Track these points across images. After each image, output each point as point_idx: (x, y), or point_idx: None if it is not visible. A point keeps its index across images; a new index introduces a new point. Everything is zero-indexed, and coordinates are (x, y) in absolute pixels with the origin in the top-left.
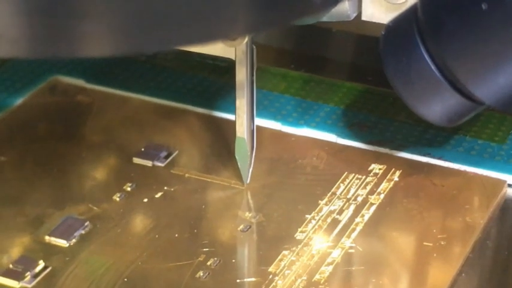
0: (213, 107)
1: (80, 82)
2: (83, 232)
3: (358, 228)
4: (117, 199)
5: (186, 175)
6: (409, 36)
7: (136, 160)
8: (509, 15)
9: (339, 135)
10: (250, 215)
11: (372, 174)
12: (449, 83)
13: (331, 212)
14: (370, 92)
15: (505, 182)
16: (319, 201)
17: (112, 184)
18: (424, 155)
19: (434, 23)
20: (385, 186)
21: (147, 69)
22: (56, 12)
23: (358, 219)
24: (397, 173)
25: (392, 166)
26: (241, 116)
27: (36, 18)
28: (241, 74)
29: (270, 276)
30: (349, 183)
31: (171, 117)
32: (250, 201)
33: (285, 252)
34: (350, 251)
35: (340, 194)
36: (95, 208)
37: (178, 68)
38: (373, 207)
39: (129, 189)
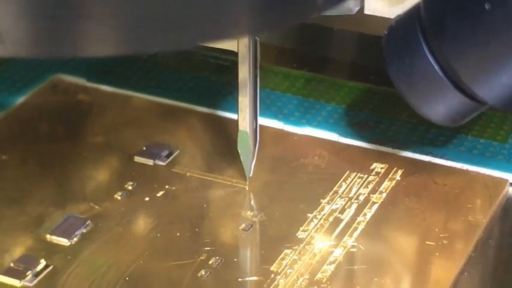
0: (215, 106)
1: (82, 81)
2: (84, 231)
3: (360, 227)
4: (119, 198)
5: (188, 174)
6: (412, 36)
7: (137, 159)
8: (511, 15)
9: (341, 134)
10: (252, 214)
11: (373, 173)
12: (452, 82)
13: (333, 211)
14: (372, 91)
15: (507, 181)
16: (321, 200)
17: (113, 183)
18: (426, 154)
19: (437, 23)
20: (387, 185)
21: (149, 68)
22: (59, 12)
23: (360, 218)
24: (399, 172)
25: (394, 165)
26: (243, 110)
27: (40, 18)
28: (244, 69)
29: (272, 275)
30: (351, 182)
31: (173, 116)
32: (252, 200)
33: (287, 251)
34: (352, 250)
35: (342, 193)
36: (96, 207)
37: (179, 66)
38: (375, 206)
39: (130, 188)
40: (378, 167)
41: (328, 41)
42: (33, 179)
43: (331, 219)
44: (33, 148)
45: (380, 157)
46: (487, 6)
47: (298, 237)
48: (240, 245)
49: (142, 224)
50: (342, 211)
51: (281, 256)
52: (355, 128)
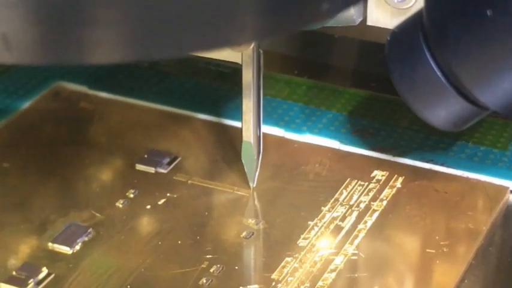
0: (216, 113)
1: (83, 88)
2: (86, 239)
3: (361, 234)
4: (120, 206)
5: (189, 181)
6: (414, 42)
7: (139, 167)
8: None
9: (342, 141)
10: (253, 221)
11: (374, 180)
12: (454, 88)
13: (334, 218)
14: (372, 98)
15: (507, 188)
16: (322, 208)
17: (115, 191)
18: (427, 161)
19: (439, 29)
20: (387, 192)
21: (150, 75)
22: (64, 20)
23: (360, 226)
24: (400, 179)
25: (395, 172)
26: (247, 121)
27: (45, 26)
28: (248, 79)
29: (273, 283)
30: (351, 189)
31: (174, 123)
32: (253, 207)
33: (288, 259)
34: (353, 257)
35: (343, 200)
36: (98, 215)
37: (181, 74)
38: (376, 214)
39: (132, 195)
40: (379, 174)
41: (330, 48)
42: (35, 187)
43: (332, 226)
44: (35, 155)
45: (381, 164)
46: (488, 12)
47: (299, 245)
48: (242, 253)
49: (143, 231)
50: (343, 219)
51: (282, 264)
52: (356, 135)
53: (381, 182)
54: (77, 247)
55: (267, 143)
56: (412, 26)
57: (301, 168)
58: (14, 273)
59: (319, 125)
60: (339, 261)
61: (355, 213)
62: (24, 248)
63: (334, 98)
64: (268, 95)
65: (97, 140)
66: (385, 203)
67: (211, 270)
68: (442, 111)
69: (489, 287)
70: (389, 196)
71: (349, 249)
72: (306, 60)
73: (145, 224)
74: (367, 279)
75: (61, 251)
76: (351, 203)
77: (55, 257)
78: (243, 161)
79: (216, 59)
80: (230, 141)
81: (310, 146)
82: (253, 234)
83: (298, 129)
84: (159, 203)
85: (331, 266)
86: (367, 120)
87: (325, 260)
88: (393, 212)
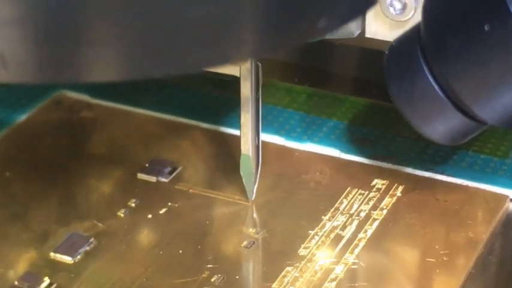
0: (217, 121)
1: (85, 97)
2: (87, 249)
3: (361, 243)
4: (122, 215)
5: (190, 191)
6: (412, 56)
7: (140, 176)
8: (511, 36)
9: (342, 150)
10: (254, 230)
11: (374, 189)
12: (452, 103)
13: (334, 227)
14: (373, 107)
15: (507, 197)
16: (323, 217)
17: (116, 200)
18: (427, 170)
19: (437, 44)
20: (387, 201)
21: (151, 84)
22: (62, 38)
23: (361, 235)
24: (400, 188)
25: (395, 181)
26: (246, 133)
27: (42, 44)
28: (246, 91)
29: None
30: (352, 198)
31: (175, 132)
32: (254, 217)
33: (289, 268)
34: (353, 267)
35: (343, 209)
36: (99, 224)
37: (182, 82)
38: (376, 223)
39: (133, 205)
40: (379, 183)
41: (330, 56)
42: (36, 196)
43: (332, 236)
44: (36, 165)
45: (381, 173)
46: (486, 27)
47: (300, 254)
48: (242, 262)
49: (145, 241)
50: (343, 228)
51: (283, 273)
52: (356, 143)
53: (381, 191)
54: (79, 257)
55: (267, 151)
56: (410, 40)
57: (301, 177)
58: (15, 283)
59: (320, 134)
60: (339, 270)
61: (355, 222)
62: (26, 258)
63: (335, 107)
64: (268, 103)
65: (98, 149)
66: (385, 212)
67: (212, 280)
68: (440, 125)
69: None
70: (390, 205)
71: (350, 258)
72: (306, 68)
73: (147, 233)
74: None
75: (63, 260)
76: (351, 212)
77: (57, 267)
78: (241, 174)
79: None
80: (231, 150)
81: (311, 154)
82: (253, 243)
83: (298, 138)
84: (161, 212)
85: (332, 275)
86: (367, 128)
87: (325, 269)
88: (393, 221)
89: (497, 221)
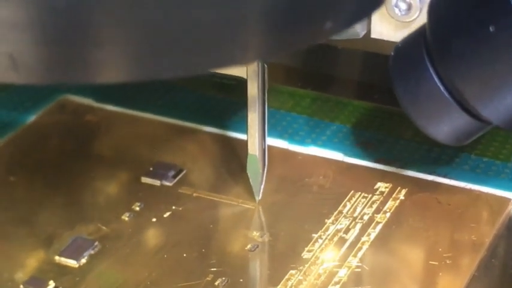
0: (222, 125)
1: (89, 101)
2: (92, 252)
3: (365, 247)
4: (126, 219)
5: (194, 194)
6: (417, 57)
7: (144, 179)
8: None
9: (346, 153)
10: (257, 234)
11: (378, 192)
12: (457, 103)
13: (338, 230)
14: (376, 110)
15: (510, 200)
16: (326, 220)
17: (121, 204)
18: (430, 173)
19: (442, 45)
20: (391, 204)
21: (156, 88)
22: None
23: (364, 238)
24: (403, 191)
25: (398, 184)
26: (253, 134)
27: (51, 46)
28: (253, 92)
29: None
30: (355, 202)
31: (180, 135)
32: (258, 220)
33: (292, 271)
34: (356, 270)
35: (347, 212)
36: (104, 228)
37: (186, 86)
38: (379, 226)
39: (137, 208)
40: (382, 186)
41: (333, 60)
42: (41, 200)
43: (335, 239)
44: (41, 169)
45: (384, 176)
46: (491, 28)
47: (304, 257)
48: (246, 265)
49: (149, 244)
50: (347, 231)
51: (287, 276)
52: (359, 147)
53: (385, 194)
54: (84, 260)
55: (271, 155)
56: (415, 41)
57: (305, 180)
58: (21, 286)
59: (323, 137)
60: (342, 273)
61: (358, 226)
62: (31, 262)
63: (338, 110)
64: (272, 107)
65: (103, 153)
66: (388, 215)
67: (217, 283)
68: (446, 126)
69: None
70: (393, 208)
71: (353, 261)
72: (309, 72)
73: (151, 237)
74: None
75: (68, 264)
76: (355, 215)
77: (62, 271)
78: (248, 174)
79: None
80: (235, 153)
81: (314, 158)
82: (257, 246)
83: (302, 142)
84: (165, 215)
85: (335, 279)
86: (370, 132)
87: (329, 272)
88: (397, 224)
89: (500, 224)
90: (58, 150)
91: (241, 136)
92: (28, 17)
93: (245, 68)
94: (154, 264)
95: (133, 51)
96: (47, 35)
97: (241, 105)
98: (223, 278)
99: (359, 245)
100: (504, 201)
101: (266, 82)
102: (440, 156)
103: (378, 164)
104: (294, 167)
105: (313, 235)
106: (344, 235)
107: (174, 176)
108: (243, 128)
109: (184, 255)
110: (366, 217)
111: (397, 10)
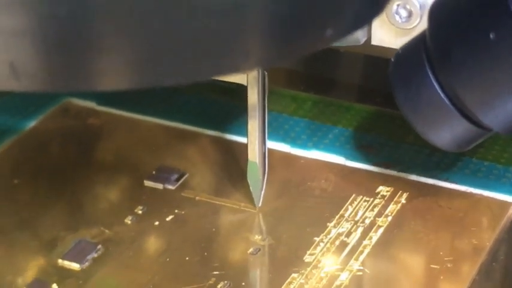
0: (224, 129)
1: (92, 105)
2: (95, 255)
3: (366, 250)
4: (129, 222)
5: (197, 198)
6: (418, 64)
7: (147, 183)
8: None
9: (348, 157)
10: (259, 237)
11: (379, 196)
12: (458, 110)
13: (340, 234)
14: (378, 114)
15: (511, 204)
16: (328, 224)
17: (124, 207)
18: (431, 177)
19: (442, 52)
20: (392, 208)
21: (158, 91)
22: (72, 47)
23: (366, 242)
24: (405, 195)
25: (399, 188)
26: (253, 141)
27: (52, 53)
28: (253, 99)
29: None
30: (357, 205)
31: (182, 139)
32: (260, 224)
33: (294, 275)
34: (358, 273)
35: (348, 216)
36: (107, 231)
37: (188, 90)
38: (381, 230)
39: (140, 212)
40: (384, 190)
41: (335, 64)
42: (44, 203)
43: (337, 242)
44: (44, 172)
45: (386, 180)
46: (491, 35)
47: (305, 261)
48: (248, 269)
49: (152, 248)
50: (348, 234)
51: (288, 280)
52: (361, 151)
53: (386, 198)
54: (87, 263)
55: (272, 159)
56: (416, 48)
57: (307, 184)
58: None
59: (325, 141)
60: (344, 277)
61: (360, 229)
62: (34, 265)
63: (340, 114)
64: (274, 110)
65: (105, 157)
66: (390, 218)
67: (219, 287)
68: (446, 132)
69: None
70: (394, 212)
71: (355, 265)
72: (311, 76)
73: (154, 240)
74: None
75: (71, 267)
76: (356, 218)
77: (65, 274)
78: (248, 181)
79: None
80: (237, 157)
81: (316, 162)
82: (259, 250)
83: (304, 145)
84: (167, 219)
85: (337, 282)
86: (372, 135)
87: (330, 276)
88: (398, 228)
89: (501, 228)
90: (61, 153)
91: (244, 140)
92: (29, 25)
93: (245, 75)
94: (156, 268)
95: (134, 59)
96: (48, 43)
97: (244, 109)
98: (226, 282)
99: (360, 248)
100: (505, 205)
101: (266, 89)
102: (442, 160)
103: (380, 168)
104: (296, 170)
105: (315, 239)
106: (346, 239)
107: (177, 180)
108: (246, 131)
109: (187, 258)
110: (367, 221)
111: (397, 17)
